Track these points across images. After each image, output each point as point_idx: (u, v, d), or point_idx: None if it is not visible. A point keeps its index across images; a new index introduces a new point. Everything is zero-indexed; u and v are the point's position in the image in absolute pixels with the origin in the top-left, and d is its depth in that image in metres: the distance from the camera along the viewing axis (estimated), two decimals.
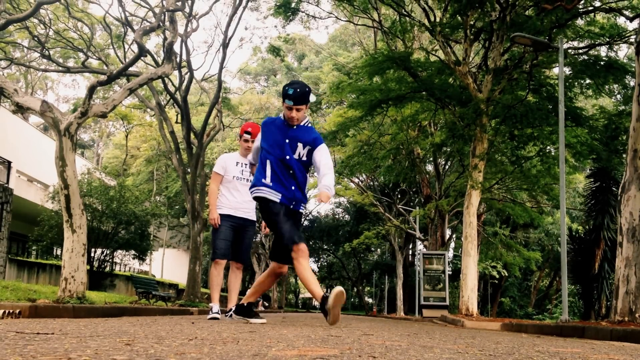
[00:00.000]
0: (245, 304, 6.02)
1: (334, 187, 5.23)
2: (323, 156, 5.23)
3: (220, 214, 7.04)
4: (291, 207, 5.25)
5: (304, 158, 5.27)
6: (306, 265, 5.11)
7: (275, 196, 5.19)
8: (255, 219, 7.27)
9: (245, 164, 7.20)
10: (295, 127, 5.27)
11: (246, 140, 7.11)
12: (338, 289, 4.79)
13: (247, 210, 7.15)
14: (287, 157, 5.20)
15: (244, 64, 51.98)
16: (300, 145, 5.23)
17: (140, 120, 42.07)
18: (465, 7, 13.66)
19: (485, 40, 15.39)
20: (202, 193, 17.27)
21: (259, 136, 5.46)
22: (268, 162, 5.24)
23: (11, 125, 26.16)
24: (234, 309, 7.08)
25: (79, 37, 21.60)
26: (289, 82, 5.36)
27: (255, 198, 5.34)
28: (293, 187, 5.24)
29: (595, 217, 19.07)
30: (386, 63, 15.80)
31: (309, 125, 5.39)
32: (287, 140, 5.22)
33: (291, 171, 5.23)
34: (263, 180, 5.23)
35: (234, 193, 7.10)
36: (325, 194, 4.97)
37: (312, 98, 5.33)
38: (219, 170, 7.17)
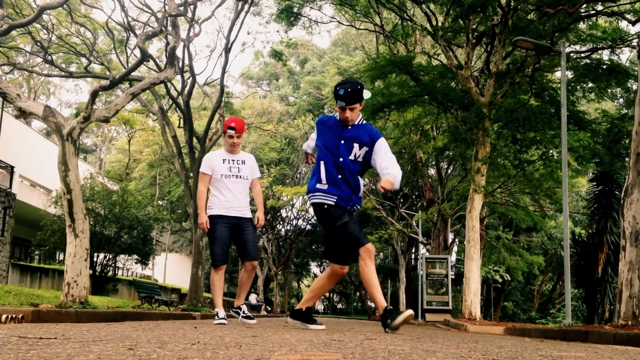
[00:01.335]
0: (303, 309, 5.61)
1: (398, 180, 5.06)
2: (386, 154, 5.09)
3: (213, 215, 6.76)
4: (347, 207, 5.12)
5: (360, 159, 5.12)
6: (372, 268, 4.98)
7: (330, 199, 5.06)
8: (251, 216, 6.96)
9: (233, 161, 6.90)
10: (350, 126, 5.11)
11: (230, 136, 6.80)
12: (409, 312, 4.80)
13: (241, 208, 6.85)
14: (341, 159, 5.06)
15: (246, 69, 52.09)
16: (356, 145, 5.08)
17: (142, 125, 42.15)
18: (467, 11, 13.65)
19: (488, 44, 15.39)
20: None
21: (314, 134, 5.38)
22: (322, 163, 5.10)
23: (14, 130, 26.23)
24: (242, 307, 6.98)
25: (81, 42, 21.67)
26: (340, 81, 5.17)
27: (312, 204, 5.21)
28: (347, 190, 5.10)
29: (598, 221, 19.07)
30: (388, 67, 15.80)
31: (363, 122, 5.23)
32: (342, 141, 5.07)
33: (343, 175, 5.09)
34: (318, 186, 5.12)
35: (224, 192, 6.81)
36: (387, 180, 4.90)
37: (367, 94, 5.14)
38: (206, 170, 6.87)
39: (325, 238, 5.38)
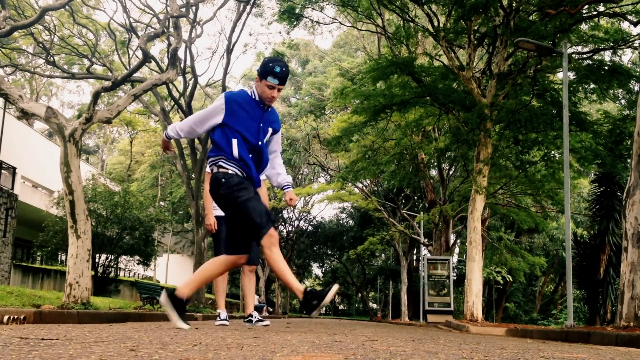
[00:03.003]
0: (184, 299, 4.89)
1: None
2: (279, 146, 4.97)
3: (218, 216, 6.76)
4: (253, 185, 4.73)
5: (266, 144, 4.82)
6: (279, 254, 4.60)
7: (235, 169, 4.60)
8: None
9: None
10: (268, 109, 4.76)
11: None
12: (336, 286, 4.52)
13: None
14: (260, 142, 4.69)
15: (248, 70, 52.10)
16: (270, 130, 4.79)
17: (144, 126, 42.20)
18: (468, 12, 13.65)
19: (489, 45, 15.39)
20: None
21: (210, 107, 4.70)
22: (235, 140, 4.61)
23: (16, 131, 26.28)
24: (253, 314, 6.99)
25: (83, 44, 21.69)
26: (272, 57, 4.81)
27: (212, 172, 4.66)
28: (255, 170, 4.71)
29: (600, 222, 19.01)
30: (390, 68, 15.80)
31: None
32: (261, 125, 4.70)
33: (258, 157, 4.72)
34: (225, 156, 4.62)
35: None
36: (293, 195, 4.91)
37: None
38: None
39: (227, 223, 4.83)
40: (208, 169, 6.83)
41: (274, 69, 4.58)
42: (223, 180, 4.56)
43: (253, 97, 4.73)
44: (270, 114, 4.82)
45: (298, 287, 4.58)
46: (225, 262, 4.80)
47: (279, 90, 4.66)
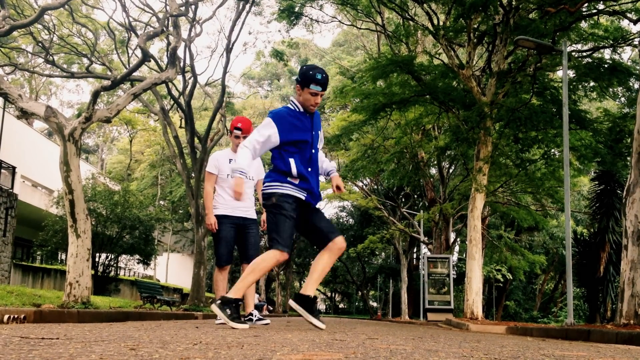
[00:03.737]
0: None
1: None
2: (322, 142, 5.15)
3: (218, 215, 6.75)
4: (313, 204, 5.01)
5: (320, 146, 5.08)
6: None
7: (301, 194, 4.86)
8: (255, 217, 6.95)
9: None
10: (313, 115, 4.98)
11: (237, 137, 6.75)
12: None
13: (246, 208, 6.81)
14: (313, 151, 4.92)
15: (248, 69, 52.18)
16: (320, 133, 5.03)
17: (144, 125, 42.19)
18: (468, 11, 13.63)
19: (489, 44, 15.38)
20: None
21: (262, 131, 4.84)
22: (292, 160, 4.83)
23: (16, 130, 26.27)
24: (254, 312, 6.98)
25: (83, 43, 21.69)
26: (309, 65, 4.95)
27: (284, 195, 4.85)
28: (315, 182, 4.96)
29: (600, 220, 19.04)
30: (390, 67, 15.78)
31: None
32: (313, 132, 4.92)
33: (313, 167, 4.94)
34: (289, 179, 4.84)
35: (230, 192, 6.75)
36: (340, 182, 5.13)
37: None
38: (212, 170, 6.85)
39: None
40: (208, 169, 6.86)
41: (315, 76, 4.79)
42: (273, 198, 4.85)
43: (297, 109, 4.91)
44: (316, 117, 5.02)
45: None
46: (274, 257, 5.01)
47: (321, 95, 4.85)
